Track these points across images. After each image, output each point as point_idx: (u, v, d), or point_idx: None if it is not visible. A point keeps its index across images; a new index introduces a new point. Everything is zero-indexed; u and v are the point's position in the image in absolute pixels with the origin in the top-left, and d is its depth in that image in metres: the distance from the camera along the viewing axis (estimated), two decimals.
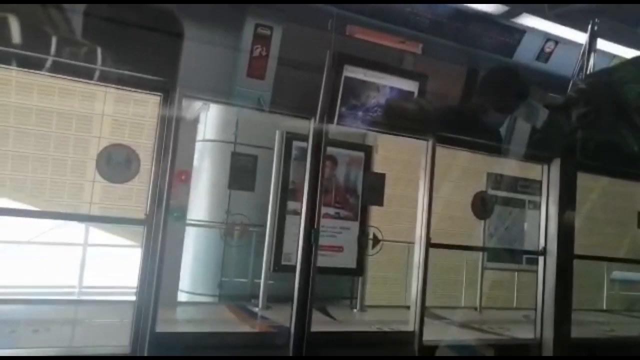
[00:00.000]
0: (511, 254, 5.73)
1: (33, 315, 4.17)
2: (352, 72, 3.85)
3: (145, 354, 3.08)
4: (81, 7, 3.06)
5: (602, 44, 4.46)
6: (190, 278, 5.49)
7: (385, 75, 3.98)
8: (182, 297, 5.32)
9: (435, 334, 4.16)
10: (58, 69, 3.03)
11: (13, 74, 5.27)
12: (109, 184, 3.53)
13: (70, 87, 5.51)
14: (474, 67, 4.42)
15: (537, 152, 4.54)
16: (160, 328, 3.18)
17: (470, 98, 4.39)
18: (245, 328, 4.21)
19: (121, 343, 3.14)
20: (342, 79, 3.80)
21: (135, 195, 5.63)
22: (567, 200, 4.56)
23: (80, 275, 6.59)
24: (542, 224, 4.65)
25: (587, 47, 4.34)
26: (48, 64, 2.97)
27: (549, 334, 4.44)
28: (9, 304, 4.62)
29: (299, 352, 3.53)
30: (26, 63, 2.98)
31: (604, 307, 7.34)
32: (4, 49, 2.84)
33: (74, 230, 6.80)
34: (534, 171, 5.02)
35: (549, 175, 4.65)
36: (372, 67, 3.92)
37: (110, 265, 6.74)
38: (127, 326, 3.18)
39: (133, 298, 3.21)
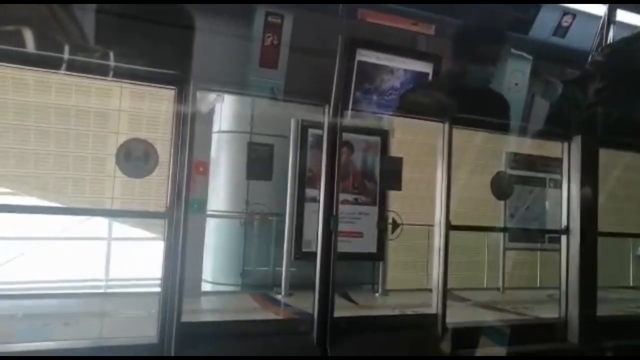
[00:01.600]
0: (533, 234, 5.67)
1: (63, 309, 4.29)
2: (365, 56, 3.81)
3: (173, 344, 3.14)
4: (92, 5, 3.08)
5: (622, 15, 4.32)
6: (213, 268, 5.56)
7: (399, 57, 3.93)
8: (205, 287, 5.41)
9: (458, 315, 4.16)
10: (73, 67, 3.06)
11: (31, 74, 5.35)
12: (129, 179, 3.57)
13: (86, 84, 5.59)
14: None
15: (556, 129, 4.45)
16: (185, 318, 3.24)
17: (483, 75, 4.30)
18: (269, 315, 4.27)
19: (149, 334, 3.22)
20: (355, 63, 3.76)
21: (155, 189, 5.71)
22: (589, 177, 4.47)
23: (106, 268, 6.74)
24: (564, 202, 4.58)
25: (606, 18, 4.21)
26: (63, 62, 3.01)
27: (574, 312, 4.39)
28: (40, 299, 4.76)
29: (322, 337, 3.56)
30: (42, 62, 3.01)
31: (630, 284, 7.24)
32: (20, 50, 2.88)
33: (98, 225, 6.93)
34: (554, 149, 4.94)
35: (569, 153, 4.56)
36: (385, 50, 3.87)
37: (135, 258, 6.87)
38: (153, 317, 3.25)
39: (158, 290, 3.27)
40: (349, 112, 3.78)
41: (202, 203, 4.90)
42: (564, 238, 4.54)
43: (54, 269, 6.75)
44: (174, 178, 3.26)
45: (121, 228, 7.14)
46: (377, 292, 5.28)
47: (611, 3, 4.21)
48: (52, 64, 3.02)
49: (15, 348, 2.95)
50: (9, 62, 3.01)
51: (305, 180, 4.86)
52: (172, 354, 3.14)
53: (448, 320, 3.98)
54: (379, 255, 5.12)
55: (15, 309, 4.11)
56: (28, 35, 2.90)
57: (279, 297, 4.84)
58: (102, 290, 6.55)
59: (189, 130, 3.27)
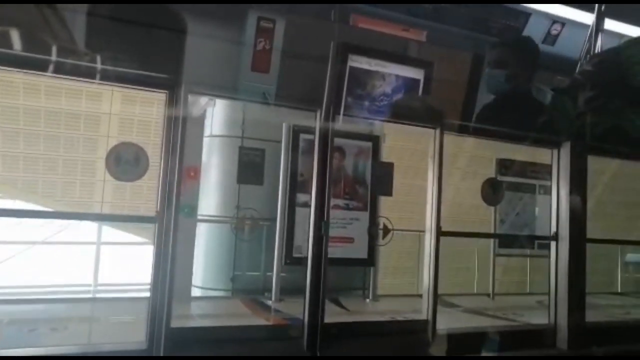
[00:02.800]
0: (523, 240, 5.70)
1: (50, 314, 4.24)
2: (357, 62, 3.83)
3: (162, 349, 3.11)
4: (84, 7, 3.06)
5: (610, 24, 4.39)
6: (203, 273, 5.52)
7: (391, 63, 3.96)
8: (195, 292, 5.37)
9: (448, 321, 4.17)
10: (63, 69, 3.05)
11: (20, 77, 5.31)
12: (119, 183, 3.55)
13: (77, 87, 5.55)
14: (479, 53, 4.38)
15: (546, 136, 4.49)
16: (175, 323, 3.22)
17: (477, 83, 4.35)
18: (259, 321, 4.24)
19: (137, 339, 3.19)
20: (347, 69, 3.78)
21: (145, 193, 5.68)
22: (578, 184, 4.51)
23: (95, 273, 6.67)
24: (553, 209, 4.62)
25: (595, 27, 4.27)
26: (53, 65, 2.99)
27: (563, 318, 4.42)
28: (27, 304, 4.70)
29: (312, 343, 3.55)
30: (32, 65, 2.99)
31: (619, 290, 7.30)
32: (9, 52, 2.86)
33: (87, 229, 6.86)
34: (544, 156, 4.98)
35: (559, 160, 4.60)
36: (377, 56, 3.89)
37: (125, 263, 6.81)
38: (142, 322, 3.22)
39: (147, 295, 3.24)
40: (341, 117, 3.79)
41: (193, 207, 4.87)
42: (553, 244, 4.58)
43: (42, 274, 6.67)
44: (164, 182, 3.24)
45: (111, 232, 7.07)
46: (368, 297, 5.27)
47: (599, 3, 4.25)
48: (42, 67, 3.00)
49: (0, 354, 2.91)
50: None
51: (296, 185, 4.86)
52: None
53: (438, 326, 3.99)
54: (370, 260, 5.12)
55: (1, 315, 4.05)
56: (16, 37, 2.88)
57: (269, 302, 4.81)
58: (90, 295, 6.48)
59: (180, 135, 3.26)
